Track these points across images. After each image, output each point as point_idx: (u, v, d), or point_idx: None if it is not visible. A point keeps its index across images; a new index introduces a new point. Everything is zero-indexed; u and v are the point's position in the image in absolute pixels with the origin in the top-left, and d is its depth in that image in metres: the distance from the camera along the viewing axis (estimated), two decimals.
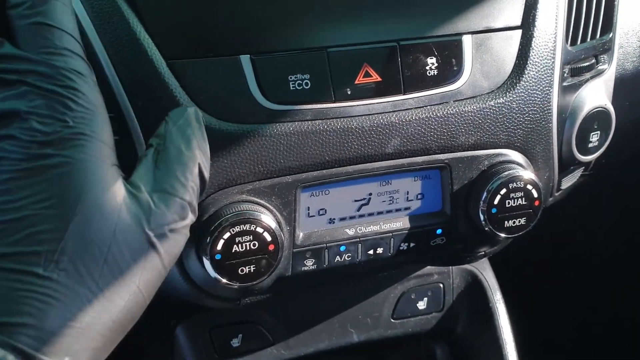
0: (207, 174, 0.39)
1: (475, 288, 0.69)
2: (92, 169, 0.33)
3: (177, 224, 0.36)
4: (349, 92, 0.48)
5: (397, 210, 0.52)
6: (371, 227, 0.52)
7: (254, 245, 0.47)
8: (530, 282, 0.90)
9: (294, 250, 0.51)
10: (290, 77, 0.47)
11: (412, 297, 0.67)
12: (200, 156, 0.38)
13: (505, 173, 0.51)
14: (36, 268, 0.31)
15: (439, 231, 0.53)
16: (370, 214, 0.52)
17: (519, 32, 0.53)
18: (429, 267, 0.67)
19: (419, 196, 0.53)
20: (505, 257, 0.70)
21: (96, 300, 0.33)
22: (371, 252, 0.52)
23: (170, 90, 0.45)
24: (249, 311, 0.62)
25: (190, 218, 0.37)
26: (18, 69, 0.32)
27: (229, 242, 0.46)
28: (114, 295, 0.33)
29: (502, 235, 0.52)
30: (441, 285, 0.68)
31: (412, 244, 0.53)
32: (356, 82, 0.48)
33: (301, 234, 0.51)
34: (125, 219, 0.34)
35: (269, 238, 0.47)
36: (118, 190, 0.34)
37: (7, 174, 0.32)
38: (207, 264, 0.46)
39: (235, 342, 0.62)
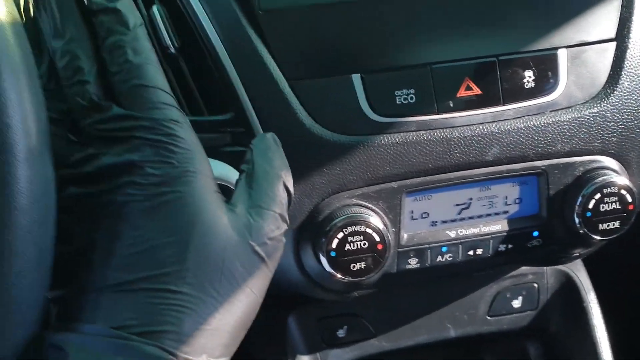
0: (291, 188, 0.44)
1: (569, 288, 0.71)
2: (200, 199, 0.39)
3: (273, 232, 0.41)
4: (451, 105, 0.53)
5: (496, 213, 0.56)
6: (471, 229, 0.56)
7: (364, 244, 0.52)
8: (626, 285, 0.91)
9: (399, 249, 0.55)
10: (397, 92, 0.52)
11: (507, 295, 0.70)
12: (283, 173, 0.44)
13: (600, 179, 0.54)
14: (168, 285, 0.37)
15: (535, 233, 0.57)
16: (471, 217, 0.56)
17: (614, 44, 0.55)
18: (523, 267, 0.70)
19: (517, 200, 0.56)
20: (600, 260, 0.72)
21: (220, 305, 0.38)
22: (471, 252, 0.57)
23: (292, 107, 0.51)
24: (354, 304, 0.67)
25: (284, 226, 0.43)
26: (127, 127, 0.39)
27: (342, 241, 0.52)
28: (234, 299, 0.39)
29: (597, 237, 0.55)
30: (535, 285, 0.71)
31: (509, 246, 0.57)
32: (458, 95, 0.53)
33: (405, 235, 0.55)
34: (232, 235, 0.40)
35: (377, 238, 0.52)
36: (222, 213, 0.40)
37: (135, 213, 0.38)
38: (323, 260, 0.52)
39: (341, 333, 0.68)
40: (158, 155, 0.39)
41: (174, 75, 0.53)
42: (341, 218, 0.52)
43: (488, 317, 0.71)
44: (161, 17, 0.51)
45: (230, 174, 0.50)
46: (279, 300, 0.66)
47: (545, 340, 0.75)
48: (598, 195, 0.54)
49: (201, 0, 0.51)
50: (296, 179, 0.51)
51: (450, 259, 0.56)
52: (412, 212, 0.55)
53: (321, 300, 0.66)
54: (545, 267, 0.71)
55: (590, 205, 0.54)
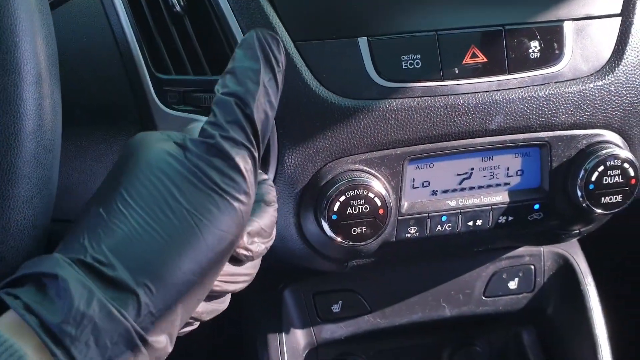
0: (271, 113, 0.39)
1: (566, 271, 0.71)
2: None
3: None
4: (456, 72, 0.53)
5: (497, 185, 0.56)
6: (472, 199, 0.56)
7: (366, 208, 0.52)
8: (624, 270, 0.91)
9: (399, 217, 0.55)
10: (403, 57, 0.52)
11: (504, 276, 0.70)
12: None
13: (603, 152, 0.54)
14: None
15: (536, 206, 0.57)
16: (472, 188, 0.56)
17: (619, 19, 0.56)
18: (520, 249, 0.70)
19: (519, 172, 0.56)
20: (599, 245, 0.72)
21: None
22: (471, 223, 0.56)
23: (297, 68, 0.50)
24: (350, 280, 0.67)
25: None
26: None
27: (344, 205, 0.51)
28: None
29: (599, 211, 0.55)
30: (532, 266, 0.70)
31: (510, 218, 0.57)
32: (464, 62, 0.53)
33: (406, 203, 0.55)
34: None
35: (379, 203, 0.52)
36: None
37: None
38: (324, 224, 0.51)
39: (336, 308, 0.67)
40: None
41: (178, 35, 0.52)
42: (343, 182, 0.51)
43: (484, 298, 0.70)
44: None
45: None
46: (275, 274, 0.65)
47: (540, 325, 0.74)
48: (601, 168, 0.54)
49: None
50: (299, 142, 0.51)
51: (450, 229, 0.56)
52: (413, 180, 0.55)
53: (318, 274, 0.65)
54: (542, 249, 0.70)
55: (593, 178, 0.54)
